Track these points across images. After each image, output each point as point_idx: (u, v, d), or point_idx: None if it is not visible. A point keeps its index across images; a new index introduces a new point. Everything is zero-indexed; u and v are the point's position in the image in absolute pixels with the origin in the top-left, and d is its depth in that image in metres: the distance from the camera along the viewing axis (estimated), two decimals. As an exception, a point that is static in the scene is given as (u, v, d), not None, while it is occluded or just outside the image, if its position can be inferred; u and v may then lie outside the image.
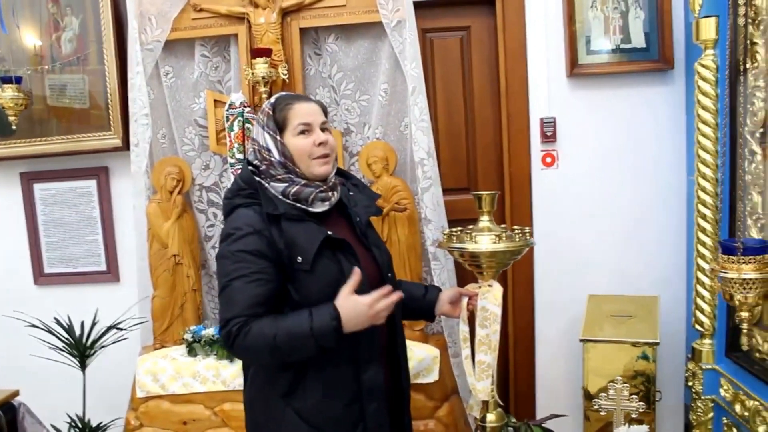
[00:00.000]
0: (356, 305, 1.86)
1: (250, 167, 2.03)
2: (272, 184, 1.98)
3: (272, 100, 2.05)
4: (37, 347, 3.06)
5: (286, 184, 1.96)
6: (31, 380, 3.05)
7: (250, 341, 1.84)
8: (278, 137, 1.99)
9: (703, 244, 2.45)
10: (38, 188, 3.41)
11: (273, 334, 1.83)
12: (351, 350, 1.95)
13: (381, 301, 1.89)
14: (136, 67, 3.00)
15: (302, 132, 1.98)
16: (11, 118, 3.05)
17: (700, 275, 2.47)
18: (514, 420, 2.61)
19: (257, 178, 1.99)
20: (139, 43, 2.99)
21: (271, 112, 2.01)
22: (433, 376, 2.78)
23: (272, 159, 1.98)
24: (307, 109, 2.01)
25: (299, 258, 1.90)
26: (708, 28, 2.35)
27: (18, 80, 3.04)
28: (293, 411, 1.94)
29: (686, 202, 3.05)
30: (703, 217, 2.43)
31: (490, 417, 2.40)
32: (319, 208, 1.99)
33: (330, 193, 2.02)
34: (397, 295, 1.95)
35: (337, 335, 1.84)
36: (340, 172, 2.15)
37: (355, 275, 1.90)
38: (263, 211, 1.92)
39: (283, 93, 2.10)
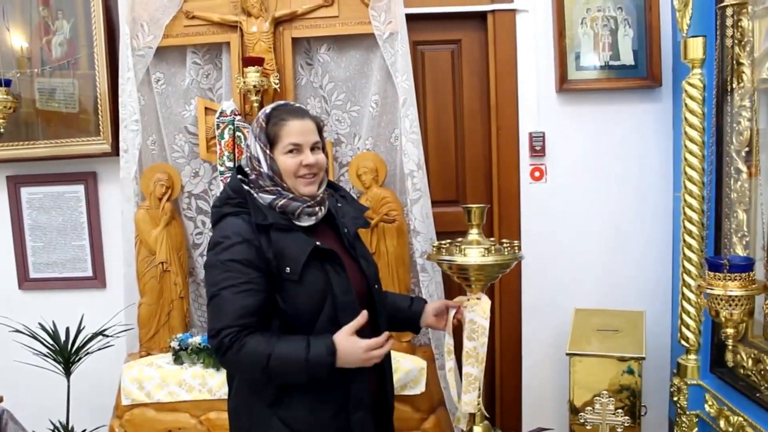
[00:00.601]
0: (353, 346, 1.89)
1: (239, 175, 2.04)
2: (260, 194, 1.98)
3: (267, 110, 2.04)
4: (21, 353, 3.03)
5: (274, 197, 1.97)
6: (14, 386, 3.02)
7: (243, 357, 1.85)
8: (268, 151, 1.99)
9: (689, 260, 2.47)
10: (25, 192, 3.39)
11: (267, 354, 1.84)
12: None
13: (377, 350, 1.93)
14: (127, 72, 2.99)
15: (291, 151, 1.98)
16: (-1, 121, 3.03)
17: (685, 291, 2.49)
18: (500, 432, 2.62)
19: (246, 188, 1.99)
20: (130, 49, 2.98)
21: (264, 125, 2.01)
22: (419, 388, 2.78)
23: (261, 170, 1.99)
24: (299, 128, 2.00)
25: (288, 268, 1.91)
26: (696, 48, 2.38)
27: (7, 83, 3.02)
28: (279, 420, 1.94)
29: (672, 218, 3.08)
30: (690, 233, 2.46)
31: (477, 429, 2.41)
32: (306, 222, 2.00)
33: (317, 208, 2.03)
34: (390, 344, 2.00)
35: (330, 369, 1.87)
36: (329, 184, 2.15)
37: (362, 317, 1.94)
38: (252, 221, 1.92)
39: (280, 104, 2.09)
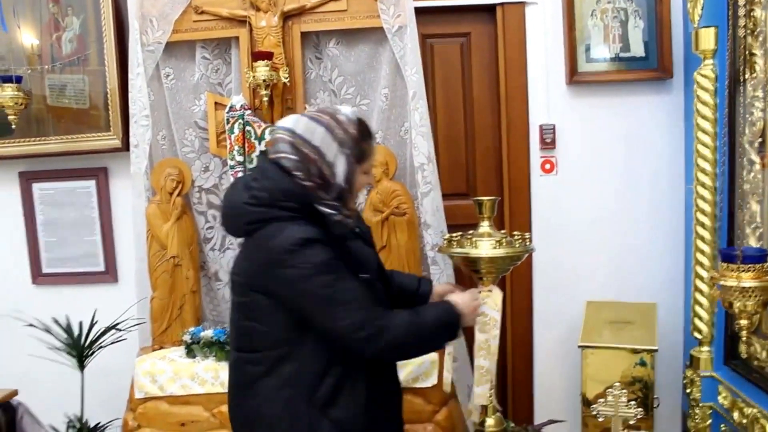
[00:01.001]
0: (465, 301, 2.12)
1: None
2: (317, 205, 1.89)
3: (355, 121, 1.94)
4: (35, 347, 3.05)
5: (334, 212, 1.88)
6: (29, 380, 3.04)
7: (398, 337, 1.88)
8: (355, 165, 1.92)
9: (702, 252, 2.46)
10: (37, 188, 3.41)
11: (418, 325, 1.92)
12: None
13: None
14: (137, 68, 3.00)
15: (367, 171, 2.02)
16: (11, 118, 3.03)
17: (698, 283, 2.48)
18: (512, 425, 2.62)
19: (306, 195, 1.88)
20: (140, 45, 2.99)
21: (358, 137, 1.92)
22: (431, 380, 2.78)
23: (333, 181, 1.88)
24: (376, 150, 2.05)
25: (363, 274, 1.93)
26: (707, 39, 2.37)
27: (18, 79, 3.03)
28: (331, 422, 1.88)
29: (684, 210, 3.06)
30: (702, 225, 2.45)
31: (489, 422, 2.42)
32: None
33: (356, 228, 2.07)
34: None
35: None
36: None
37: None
38: (310, 227, 1.85)
39: (362, 119, 2.00)
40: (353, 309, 1.82)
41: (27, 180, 3.40)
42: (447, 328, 2.02)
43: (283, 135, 1.90)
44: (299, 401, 1.87)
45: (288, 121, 1.95)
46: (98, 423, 3.10)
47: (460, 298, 2.10)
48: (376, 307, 1.88)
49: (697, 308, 2.48)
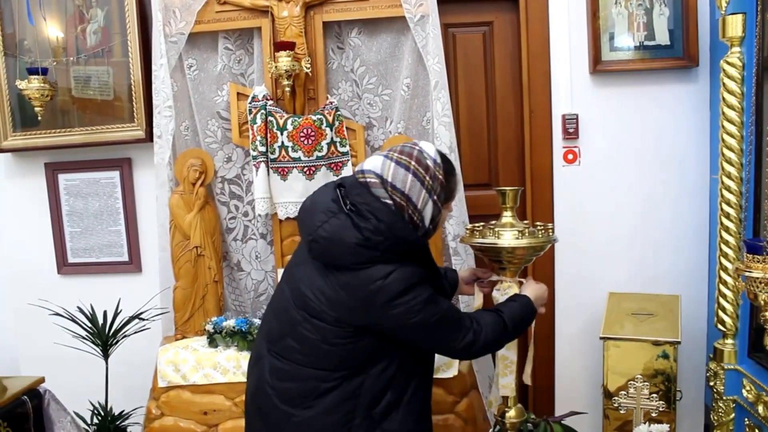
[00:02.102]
0: (539, 288, 2.31)
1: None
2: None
3: (439, 162, 1.97)
4: (61, 335, 3.10)
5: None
6: (55, 368, 3.08)
7: (489, 337, 2.03)
8: (441, 208, 1.98)
9: (727, 243, 2.43)
10: (62, 179, 3.45)
11: (502, 324, 2.07)
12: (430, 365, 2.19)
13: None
14: (160, 59, 3.02)
15: (450, 208, 2.10)
16: (37, 109, 3.07)
17: (723, 274, 2.46)
18: (533, 416, 2.62)
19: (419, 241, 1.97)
20: (163, 36, 3.00)
21: (444, 181, 1.96)
22: (452, 371, 2.78)
23: (420, 225, 1.96)
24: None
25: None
26: (735, 25, 2.33)
27: (44, 71, 3.07)
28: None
29: (709, 200, 3.03)
30: (727, 216, 2.42)
31: (510, 413, 2.41)
32: None
33: None
34: None
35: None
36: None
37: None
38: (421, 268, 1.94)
39: (444, 155, 2.06)
40: (460, 328, 1.98)
41: (52, 171, 3.44)
42: (526, 321, 2.19)
43: (374, 180, 1.92)
44: (359, 414, 1.96)
45: (374, 165, 1.95)
46: (122, 411, 3.14)
47: (531, 292, 2.24)
48: (464, 316, 2.04)
49: (721, 300, 2.46)
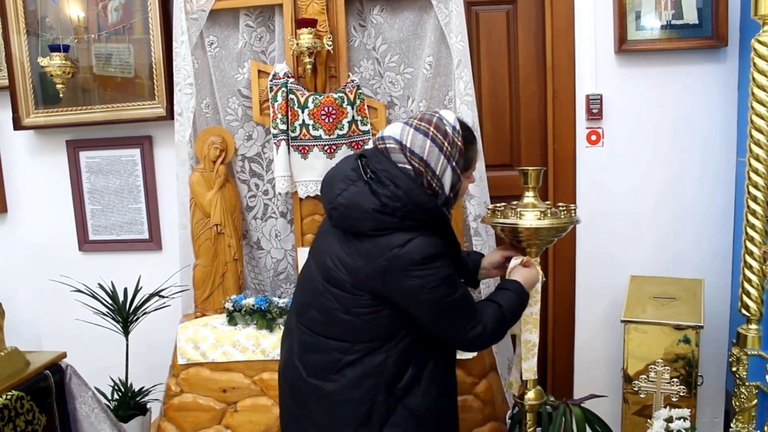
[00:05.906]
0: (530, 272, 2.24)
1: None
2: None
3: (458, 129, 1.96)
4: (82, 312, 3.13)
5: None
6: (76, 343, 3.11)
7: (490, 329, 1.98)
8: (460, 176, 1.97)
9: (753, 226, 2.40)
10: (84, 156, 3.46)
11: (502, 312, 2.03)
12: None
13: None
14: (181, 36, 3.00)
15: (470, 177, 2.05)
16: (59, 86, 3.08)
17: (748, 258, 2.42)
18: (552, 399, 2.61)
19: (441, 211, 1.94)
20: (184, 13, 2.98)
21: (463, 147, 1.95)
22: (472, 353, 2.77)
23: (440, 192, 1.94)
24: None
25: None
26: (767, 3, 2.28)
27: (66, 48, 3.07)
28: (405, 407, 1.97)
29: (735, 183, 2.98)
30: (754, 199, 2.38)
31: (530, 394, 2.40)
32: None
33: None
34: None
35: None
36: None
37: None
38: (439, 241, 1.91)
39: (465, 122, 2.03)
40: (470, 318, 1.95)
41: (74, 148, 3.46)
42: (520, 311, 2.15)
43: (394, 145, 1.92)
44: (381, 389, 1.95)
45: (393, 131, 1.95)
46: (142, 387, 3.17)
47: (521, 276, 2.17)
48: (478, 306, 2.00)
49: (746, 284, 2.43)
